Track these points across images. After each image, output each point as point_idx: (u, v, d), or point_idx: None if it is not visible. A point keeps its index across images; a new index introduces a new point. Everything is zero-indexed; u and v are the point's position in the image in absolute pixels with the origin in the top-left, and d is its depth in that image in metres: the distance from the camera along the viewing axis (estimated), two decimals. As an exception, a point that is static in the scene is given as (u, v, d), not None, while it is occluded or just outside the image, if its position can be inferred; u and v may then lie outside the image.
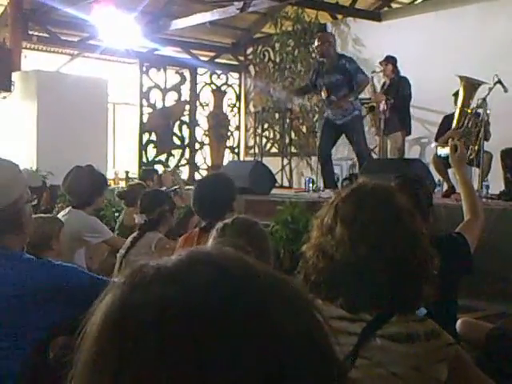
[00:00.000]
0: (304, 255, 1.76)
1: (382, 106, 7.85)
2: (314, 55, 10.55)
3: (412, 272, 1.65)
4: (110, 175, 9.67)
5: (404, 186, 2.79)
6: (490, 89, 6.36)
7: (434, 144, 7.29)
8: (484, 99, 6.35)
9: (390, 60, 8.00)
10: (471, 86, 6.55)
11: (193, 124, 11.61)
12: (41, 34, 10.28)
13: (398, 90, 7.83)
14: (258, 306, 0.60)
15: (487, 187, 6.36)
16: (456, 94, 6.87)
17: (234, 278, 0.62)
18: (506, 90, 6.30)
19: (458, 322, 2.93)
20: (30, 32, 10.11)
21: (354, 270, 1.63)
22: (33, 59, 10.84)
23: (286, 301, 0.63)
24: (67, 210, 4.35)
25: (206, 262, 0.65)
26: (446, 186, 7.00)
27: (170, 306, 0.59)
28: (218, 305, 0.59)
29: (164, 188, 5.74)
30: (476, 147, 6.49)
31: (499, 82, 6.32)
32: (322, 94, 7.23)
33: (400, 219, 1.69)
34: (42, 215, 3.66)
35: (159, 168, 9.74)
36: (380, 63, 8.11)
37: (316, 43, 7.25)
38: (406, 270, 1.64)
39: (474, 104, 6.58)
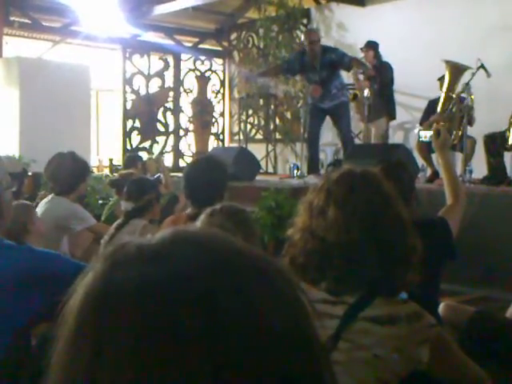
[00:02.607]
0: (290, 239, 1.77)
1: (366, 92, 7.85)
2: (297, 41, 10.56)
3: (401, 256, 1.67)
4: (93, 162, 9.63)
5: (387, 171, 2.80)
6: (474, 74, 6.38)
7: (417, 129, 7.32)
8: (467, 84, 6.37)
9: (372, 45, 7.96)
10: (457, 70, 6.57)
11: (177, 110, 11.55)
12: (22, 20, 10.15)
13: (381, 75, 7.83)
14: (239, 287, 0.60)
15: (470, 172, 6.41)
16: (441, 79, 6.89)
17: (217, 258, 0.62)
18: (488, 75, 6.33)
19: (441, 306, 2.95)
20: (12, 18, 9.99)
21: (345, 251, 1.64)
22: (14, 45, 10.73)
23: (270, 282, 0.62)
24: (50, 197, 4.33)
25: (190, 241, 0.64)
26: (429, 171, 7.03)
27: (150, 284, 0.59)
28: (199, 284, 0.59)
29: (148, 175, 5.71)
30: (459, 132, 6.52)
31: (482, 66, 6.34)
32: (314, 88, 7.32)
33: (390, 205, 1.71)
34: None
35: (143, 155, 9.70)
36: (361, 49, 8.08)
37: (307, 42, 7.33)
38: (396, 254, 1.66)
39: (458, 89, 6.61)
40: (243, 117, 11.43)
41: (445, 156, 3.07)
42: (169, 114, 11.45)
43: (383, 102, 7.87)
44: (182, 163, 11.38)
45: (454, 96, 6.58)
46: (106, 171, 9.77)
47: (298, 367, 0.59)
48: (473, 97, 6.45)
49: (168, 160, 11.06)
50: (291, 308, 0.62)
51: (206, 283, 0.59)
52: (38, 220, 3.34)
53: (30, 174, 6.74)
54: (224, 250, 0.63)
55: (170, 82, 11.47)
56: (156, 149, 11.17)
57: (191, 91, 11.77)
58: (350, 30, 9.77)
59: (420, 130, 6.70)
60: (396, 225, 1.69)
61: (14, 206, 3.31)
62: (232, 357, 0.56)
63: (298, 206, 1.81)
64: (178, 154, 11.52)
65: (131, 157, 7.48)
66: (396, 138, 8.85)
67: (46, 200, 4.32)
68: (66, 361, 0.60)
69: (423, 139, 3.65)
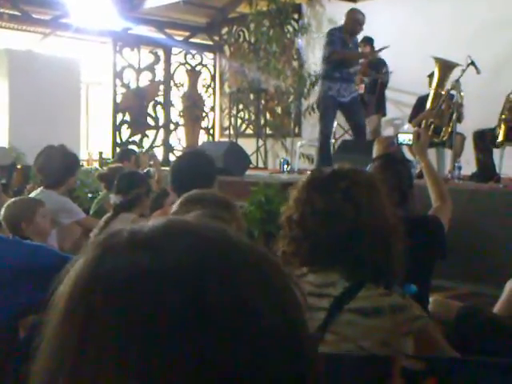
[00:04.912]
0: (280, 234, 1.79)
1: (361, 88, 7.86)
2: (288, 36, 10.55)
3: (384, 244, 1.68)
4: (83, 156, 9.59)
5: (387, 166, 2.82)
6: (463, 70, 6.40)
7: (407, 125, 7.34)
8: (457, 80, 6.39)
9: (368, 42, 7.99)
10: (446, 67, 6.59)
11: (167, 104, 11.52)
12: (12, 12, 10.09)
13: (378, 72, 7.84)
14: (229, 279, 0.59)
15: (459, 168, 6.42)
16: (431, 76, 6.91)
17: (208, 248, 0.62)
18: (478, 72, 6.34)
19: (429, 301, 2.96)
20: (1, 10, 9.92)
21: (328, 244, 1.66)
22: (4, 38, 10.66)
23: (262, 274, 0.62)
24: (39, 190, 4.32)
25: (182, 230, 0.64)
26: (418, 167, 7.05)
27: (140, 272, 0.58)
28: (189, 275, 0.59)
29: (140, 169, 5.70)
30: (449, 129, 6.54)
31: (472, 63, 6.36)
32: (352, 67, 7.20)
33: (372, 195, 1.73)
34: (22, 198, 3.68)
35: (134, 149, 9.66)
36: (358, 44, 8.08)
37: (359, 24, 7.21)
38: (378, 243, 1.68)
39: (448, 86, 6.62)
40: (234, 111, 11.42)
41: (426, 158, 3.09)
42: (159, 107, 11.42)
43: (376, 99, 7.89)
44: (172, 157, 11.36)
45: (443, 93, 6.60)
46: (96, 165, 9.74)
47: (285, 362, 0.59)
48: (462, 93, 6.48)
49: (158, 154, 11.04)
50: (282, 301, 0.62)
51: (196, 274, 0.59)
52: (42, 217, 3.36)
53: (18, 166, 6.72)
54: (216, 241, 0.63)
55: (160, 75, 11.44)
56: (146, 143, 11.14)
57: (182, 85, 11.74)
58: (341, 26, 9.76)
59: (399, 132, 6.68)
60: (379, 213, 1.71)
61: (18, 201, 3.37)
62: (219, 348, 0.56)
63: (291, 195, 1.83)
64: (168, 148, 11.50)
65: (125, 150, 7.45)
66: (386, 133, 8.86)
67: (34, 193, 4.31)
68: (53, 345, 0.60)
69: (402, 142, 3.68)
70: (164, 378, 0.55)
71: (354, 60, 7.21)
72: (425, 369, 1.33)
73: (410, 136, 3.25)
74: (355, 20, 7.20)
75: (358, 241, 1.66)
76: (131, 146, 10.20)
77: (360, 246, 1.66)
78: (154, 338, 0.56)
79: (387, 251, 1.69)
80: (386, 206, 1.75)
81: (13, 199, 3.45)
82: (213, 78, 12.11)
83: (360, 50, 8.01)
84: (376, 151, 3.36)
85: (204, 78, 12.02)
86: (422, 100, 7.07)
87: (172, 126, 11.62)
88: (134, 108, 10.95)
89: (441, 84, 6.60)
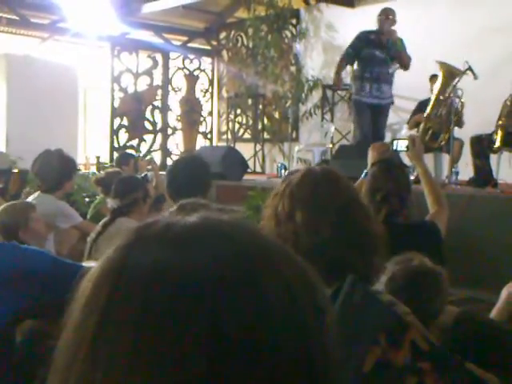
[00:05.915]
0: None
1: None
2: (286, 41, 10.57)
3: (369, 245, 1.68)
4: (80, 160, 9.59)
5: (386, 171, 2.82)
6: (461, 76, 6.41)
7: (404, 131, 7.35)
8: (454, 86, 6.40)
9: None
10: (450, 74, 6.55)
11: (165, 109, 11.53)
12: (10, 17, 10.10)
13: None
14: (251, 291, 0.58)
15: (457, 174, 6.44)
16: (433, 78, 6.91)
17: (236, 252, 0.60)
18: (475, 77, 6.35)
19: (426, 306, 2.97)
20: (-1, 14, 9.95)
21: (317, 251, 1.65)
22: (2, 42, 10.66)
23: (288, 287, 0.60)
24: (36, 194, 4.32)
25: (215, 229, 0.63)
26: (415, 173, 7.06)
27: (163, 270, 0.58)
28: (208, 278, 0.58)
29: (138, 174, 5.69)
30: (447, 134, 6.55)
31: (469, 68, 6.37)
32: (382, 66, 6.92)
33: (353, 197, 1.73)
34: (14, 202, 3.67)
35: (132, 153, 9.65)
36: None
37: (385, 17, 6.99)
38: (365, 244, 1.67)
39: (449, 92, 6.63)
40: (231, 116, 11.43)
41: (422, 164, 3.09)
42: (157, 112, 11.43)
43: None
44: (169, 162, 11.36)
45: (441, 98, 6.60)
46: (93, 169, 9.73)
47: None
48: (463, 100, 6.49)
49: (156, 158, 11.04)
50: (302, 310, 0.61)
51: (216, 278, 0.58)
52: (36, 222, 3.35)
53: (16, 171, 6.70)
54: (248, 245, 0.62)
55: (158, 80, 11.45)
56: (144, 147, 11.14)
57: (180, 90, 11.76)
58: (339, 31, 9.79)
59: (394, 139, 6.60)
60: (362, 215, 1.71)
61: (10, 208, 3.36)
62: (229, 353, 0.56)
63: (263, 211, 1.80)
64: (166, 153, 11.51)
65: (124, 154, 7.45)
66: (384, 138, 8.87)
67: (32, 197, 4.30)
68: (74, 329, 0.60)
69: (397, 148, 3.65)
70: (175, 369, 0.55)
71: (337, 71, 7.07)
72: (428, 351, 1.32)
73: (406, 142, 3.26)
74: (380, 16, 7.01)
75: (349, 245, 1.66)
76: (129, 151, 10.19)
77: (338, 243, 1.65)
78: (163, 336, 0.56)
79: (374, 250, 1.68)
80: (366, 204, 1.75)
81: (3, 206, 3.43)
82: (211, 82, 12.13)
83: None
84: (371, 157, 3.36)
85: (202, 82, 12.03)
86: (422, 104, 7.07)
87: (170, 131, 11.63)
88: (132, 112, 10.96)
89: (444, 90, 6.57)
